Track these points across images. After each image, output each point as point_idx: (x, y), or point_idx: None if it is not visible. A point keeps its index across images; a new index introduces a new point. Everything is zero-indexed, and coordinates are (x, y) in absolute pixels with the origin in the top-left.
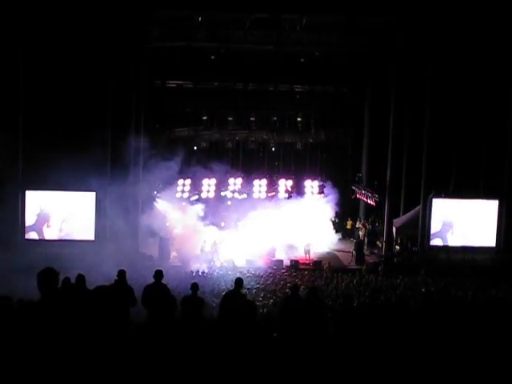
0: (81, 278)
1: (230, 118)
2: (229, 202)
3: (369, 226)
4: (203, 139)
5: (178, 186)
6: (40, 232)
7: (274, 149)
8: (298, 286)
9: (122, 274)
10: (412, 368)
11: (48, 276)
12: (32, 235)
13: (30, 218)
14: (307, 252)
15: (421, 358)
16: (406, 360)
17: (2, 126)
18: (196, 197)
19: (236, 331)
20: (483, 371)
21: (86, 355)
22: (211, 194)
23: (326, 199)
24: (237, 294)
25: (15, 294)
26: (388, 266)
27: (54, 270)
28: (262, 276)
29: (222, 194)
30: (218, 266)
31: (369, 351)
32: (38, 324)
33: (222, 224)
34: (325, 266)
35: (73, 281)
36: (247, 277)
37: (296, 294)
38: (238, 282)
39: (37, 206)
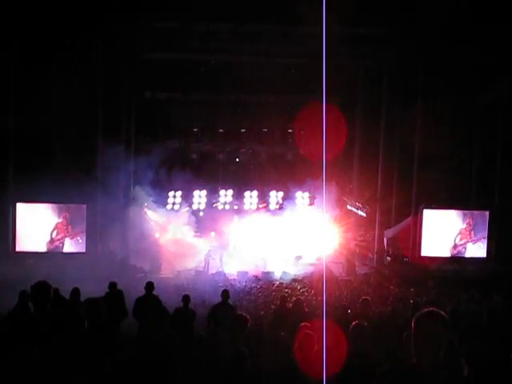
0: (76, 292)
1: (221, 130)
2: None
3: (359, 238)
4: (194, 151)
5: (168, 197)
6: (31, 244)
7: (264, 160)
8: (286, 298)
9: (112, 285)
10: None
11: (41, 289)
12: (23, 248)
13: (20, 231)
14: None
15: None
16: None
17: None
18: (187, 208)
19: (227, 343)
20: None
21: (79, 367)
22: (202, 206)
23: (317, 210)
24: (225, 306)
25: (6, 306)
26: (379, 276)
27: (47, 284)
28: (252, 287)
29: (213, 205)
30: (209, 277)
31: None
32: (30, 336)
33: (212, 234)
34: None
35: (65, 294)
36: (238, 288)
37: (284, 305)
38: (225, 294)
39: (27, 219)
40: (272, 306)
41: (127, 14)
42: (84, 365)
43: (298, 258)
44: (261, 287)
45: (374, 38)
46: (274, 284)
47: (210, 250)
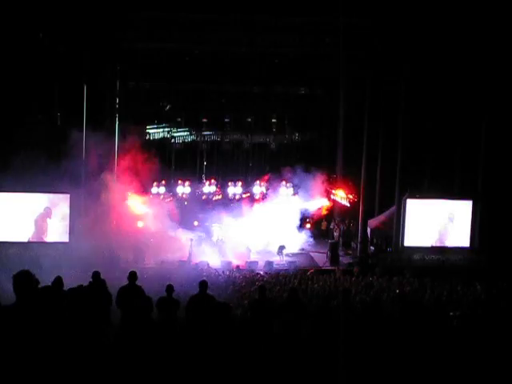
0: (59, 281)
1: (205, 120)
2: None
3: (343, 227)
4: (177, 141)
5: (152, 187)
6: (14, 233)
7: (248, 150)
8: (265, 288)
9: (96, 275)
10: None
11: (24, 278)
12: (4, 237)
13: (2, 220)
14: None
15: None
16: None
17: None
18: (170, 198)
19: (208, 333)
20: (459, 371)
21: (64, 357)
22: (185, 195)
23: (300, 200)
24: (204, 296)
25: None
26: (363, 266)
27: (30, 273)
28: (237, 277)
29: (197, 195)
30: (193, 267)
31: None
32: (13, 327)
33: (196, 223)
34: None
35: (48, 283)
36: (221, 278)
37: (263, 296)
38: (202, 284)
39: (11, 208)
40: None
41: (111, 2)
42: (69, 352)
43: (282, 247)
44: (244, 277)
45: (357, 27)
46: (258, 274)
47: (192, 240)
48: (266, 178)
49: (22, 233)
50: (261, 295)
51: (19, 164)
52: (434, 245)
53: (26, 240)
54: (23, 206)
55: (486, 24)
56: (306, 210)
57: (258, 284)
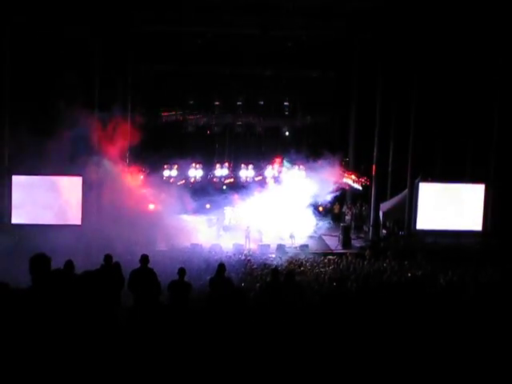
0: (70, 264)
1: (217, 103)
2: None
3: (355, 210)
4: (190, 124)
5: (164, 170)
6: (27, 216)
7: (260, 134)
8: (278, 271)
9: (108, 258)
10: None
11: (40, 261)
12: (19, 219)
13: (16, 203)
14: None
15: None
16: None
17: None
18: (183, 181)
19: (225, 318)
20: (469, 355)
21: (78, 341)
22: (198, 178)
23: (313, 183)
24: (222, 280)
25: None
26: (375, 250)
27: (46, 256)
28: (249, 260)
29: (209, 178)
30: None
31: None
32: (28, 310)
33: (208, 207)
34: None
35: (59, 266)
36: (233, 261)
37: (277, 279)
38: (221, 267)
39: (23, 191)
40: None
41: None
42: (81, 335)
43: (292, 236)
44: (255, 260)
45: (369, 12)
46: (269, 257)
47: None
48: (279, 160)
49: (35, 216)
50: (274, 278)
51: (35, 148)
52: (446, 228)
53: (39, 222)
54: (37, 188)
55: (502, 7)
56: (320, 196)
57: (269, 268)
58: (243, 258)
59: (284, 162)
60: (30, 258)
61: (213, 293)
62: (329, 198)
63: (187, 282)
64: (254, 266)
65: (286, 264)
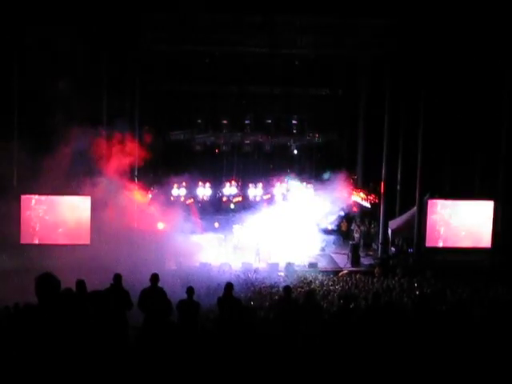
0: (81, 284)
1: (225, 121)
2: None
3: (364, 228)
4: (198, 142)
5: (173, 189)
6: (36, 236)
7: (268, 152)
8: (290, 288)
9: (117, 277)
10: (406, 371)
11: (46, 281)
12: (28, 239)
13: (25, 223)
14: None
15: (417, 360)
16: (401, 362)
17: None
18: (191, 200)
19: (234, 336)
20: (479, 373)
21: (85, 359)
22: (206, 197)
23: (321, 201)
24: (230, 299)
25: (11, 298)
26: (384, 267)
27: (53, 276)
28: (257, 278)
29: (217, 197)
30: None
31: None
32: (34, 329)
33: (216, 225)
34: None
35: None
36: (242, 279)
37: (289, 296)
38: (228, 286)
39: (32, 211)
40: (275, 297)
41: (130, 3)
42: (90, 354)
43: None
44: (264, 279)
45: (375, 28)
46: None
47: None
48: (285, 179)
49: (45, 235)
50: (286, 296)
51: (44, 167)
52: (455, 245)
53: (48, 242)
54: (46, 208)
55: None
56: (328, 213)
57: (277, 286)
58: (252, 276)
59: (288, 180)
60: (35, 278)
61: (221, 312)
62: (337, 215)
63: (196, 301)
64: (263, 285)
65: (295, 282)
